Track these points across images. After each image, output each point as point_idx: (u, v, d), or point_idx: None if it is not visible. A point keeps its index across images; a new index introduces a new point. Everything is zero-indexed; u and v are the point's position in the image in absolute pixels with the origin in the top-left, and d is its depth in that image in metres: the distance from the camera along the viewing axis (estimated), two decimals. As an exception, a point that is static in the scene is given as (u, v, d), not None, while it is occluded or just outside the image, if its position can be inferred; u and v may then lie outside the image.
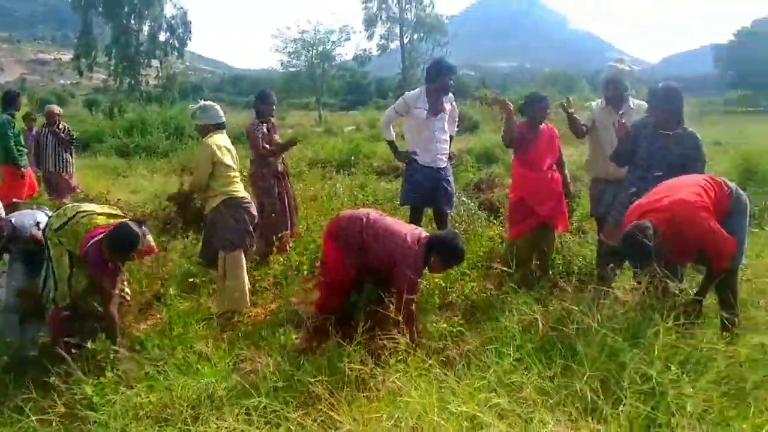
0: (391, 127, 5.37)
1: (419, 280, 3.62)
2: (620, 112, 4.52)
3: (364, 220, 3.66)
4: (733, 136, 15.08)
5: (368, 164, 11.69)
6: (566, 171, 5.03)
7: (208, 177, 4.57)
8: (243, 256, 4.73)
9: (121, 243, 3.68)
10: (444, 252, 3.51)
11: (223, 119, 4.81)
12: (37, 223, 4.14)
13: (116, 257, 3.74)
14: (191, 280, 5.02)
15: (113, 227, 3.73)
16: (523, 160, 4.80)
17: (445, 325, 3.69)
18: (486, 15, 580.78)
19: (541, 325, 3.16)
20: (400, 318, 3.23)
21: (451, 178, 5.26)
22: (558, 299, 4.09)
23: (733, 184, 3.53)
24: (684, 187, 3.36)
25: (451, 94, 5.21)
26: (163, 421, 2.77)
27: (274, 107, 5.88)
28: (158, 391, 2.99)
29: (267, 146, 5.64)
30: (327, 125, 28.84)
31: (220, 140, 4.68)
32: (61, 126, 8.25)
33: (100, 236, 3.71)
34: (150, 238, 4.20)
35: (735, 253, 3.28)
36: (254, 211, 4.88)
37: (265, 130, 5.67)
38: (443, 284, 4.51)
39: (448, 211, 5.35)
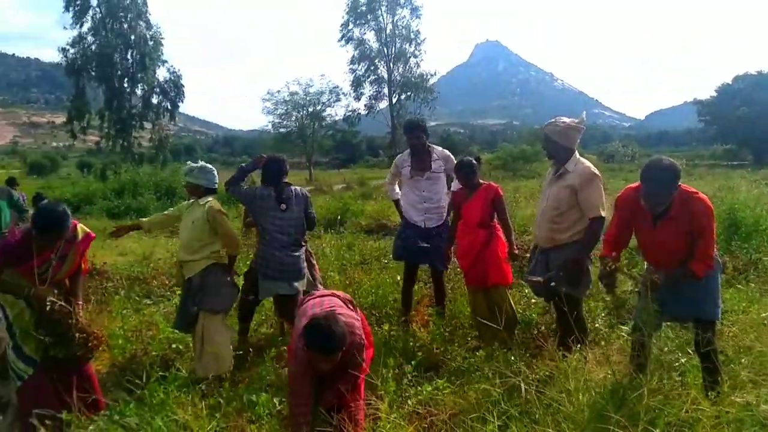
0: (395, 189, 5.38)
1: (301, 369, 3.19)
2: (558, 173, 4.10)
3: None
4: (719, 189, 15.26)
5: (357, 223, 11.72)
6: (510, 228, 4.71)
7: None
8: (224, 318, 4.67)
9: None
10: (305, 340, 3.05)
11: (217, 185, 4.74)
12: None
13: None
14: (173, 345, 4.94)
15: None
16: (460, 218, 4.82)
17: (429, 389, 3.54)
18: (473, 74, 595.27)
19: (524, 389, 3.07)
20: None
21: (446, 236, 4.99)
22: (543, 359, 3.99)
23: None
24: None
25: (444, 151, 5.08)
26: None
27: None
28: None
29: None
30: (317, 183, 29.08)
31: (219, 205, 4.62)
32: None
33: None
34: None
35: (712, 267, 3.31)
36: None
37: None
38: (429, 346, 4.43)
39: (442, 270, 5.11)
